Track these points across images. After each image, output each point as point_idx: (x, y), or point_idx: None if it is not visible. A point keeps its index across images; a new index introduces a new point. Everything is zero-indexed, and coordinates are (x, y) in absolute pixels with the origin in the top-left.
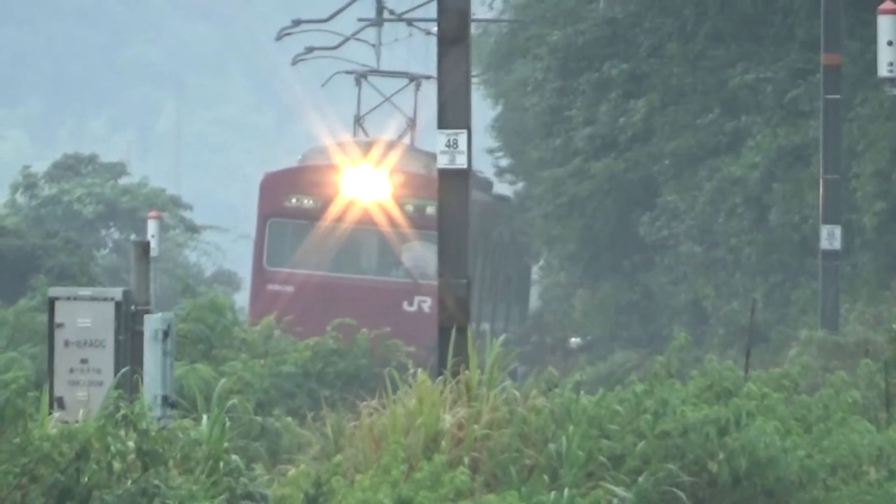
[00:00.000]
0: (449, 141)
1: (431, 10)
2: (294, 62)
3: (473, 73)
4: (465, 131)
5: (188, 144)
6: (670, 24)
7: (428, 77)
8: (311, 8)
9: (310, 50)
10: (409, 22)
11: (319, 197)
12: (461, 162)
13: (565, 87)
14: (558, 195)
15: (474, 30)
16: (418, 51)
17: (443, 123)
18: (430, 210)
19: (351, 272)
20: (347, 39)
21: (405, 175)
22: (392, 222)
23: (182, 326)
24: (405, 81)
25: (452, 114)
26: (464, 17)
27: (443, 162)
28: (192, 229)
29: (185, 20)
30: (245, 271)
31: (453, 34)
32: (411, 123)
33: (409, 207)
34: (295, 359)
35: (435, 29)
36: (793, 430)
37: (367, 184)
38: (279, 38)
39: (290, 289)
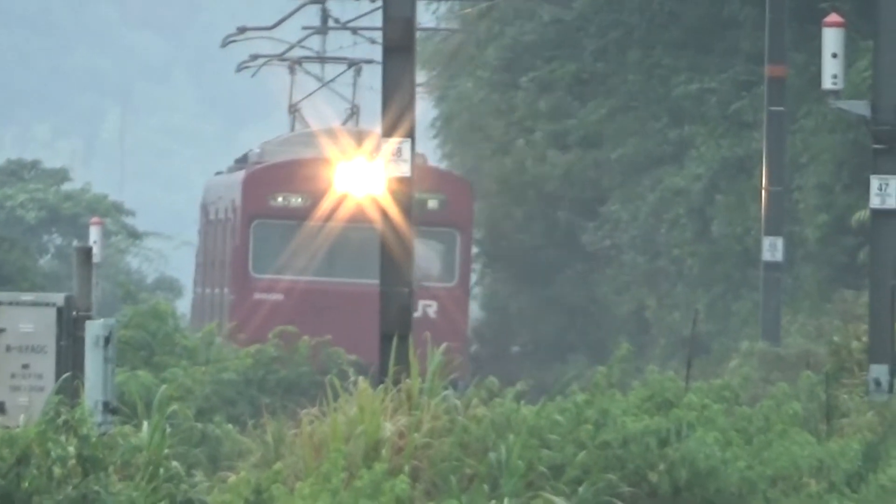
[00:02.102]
0: (393, 149)
1: (377, 19)
2: (238, 69)
3: (419, 80)
4: (409, 140)
5: (133, 151)
6: (618, 29)
7: (369, 61)
8: (256, 16)
9: (254, 57)
10: (354, 31)
11: (309, 194)
12: (405, 170)
13: (509, 82)
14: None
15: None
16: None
17: (387, 132)
18: (433, 204)
19: (346, 276)
20: (292, 47)
21: None
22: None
23: (123, 333)
24: (343, 67)
25: (397, 122)
26: (409, 25)
27: (388, 171)
28: (135, 235)
29: (131, 28)
30: (186, 278)
31: (398, 43)
32: (355, 109)
33: None
34: (236, 366)
35: (380, 37)
36: (733, 441)
37: (362, 178)
38: (224, 45)
39: (279, 297)
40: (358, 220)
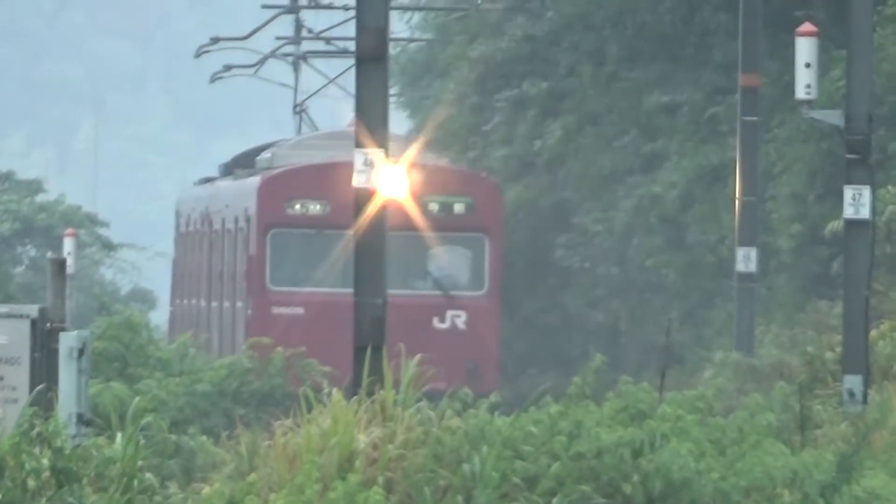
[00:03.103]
0: (366, 160)
1: (350, 29)
2: (212, 80)
3: (392, 91)
4: (381, 151)
5: (106, 161)
6: (589, 44)
7: (417, 40)
8: (230, 26)
9: (228, 68)
10: (328, 40)
11: (328, 200)
12: (378, 181)
13: (483, 103)
14: None
15: (393, 48)
16: (337, 69)
17: (360, 142)
18: (459, 208)
19: None
20: (266, 58)
21: (427, 169)
22: (415, 225)
23: (97, 344)
24: (350, 61)
25: (370, 133)
26: (382, 35)
27: (359, 182)
28: (109, 247)
29: (104, 38)
30: (160, 289)
31: (371, 52)
32: None
33: (434, 206)
34: (210, 377)
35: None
36: (707, 452)
37: (385, 181)
38: (198, 55)
39: (300, 311)
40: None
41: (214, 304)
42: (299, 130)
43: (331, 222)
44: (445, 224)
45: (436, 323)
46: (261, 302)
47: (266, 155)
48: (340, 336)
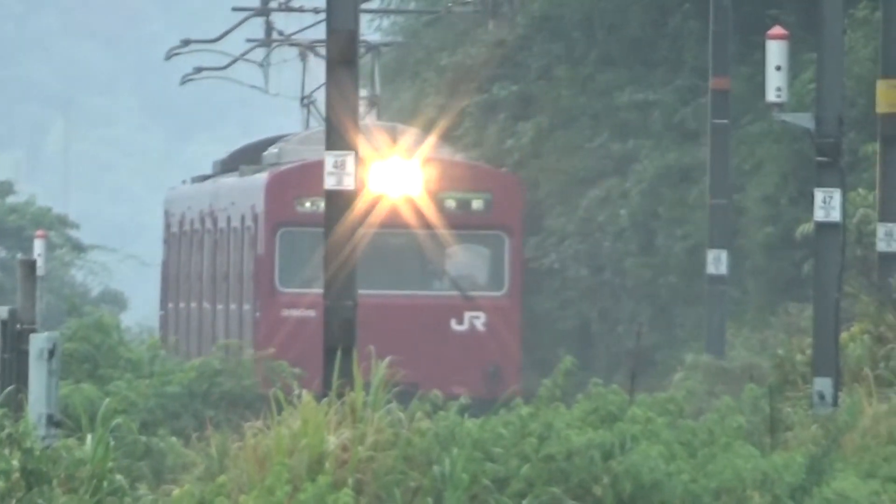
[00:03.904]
0: (336, 162)
1: (320, 32)
2: (182, 82)
3: (362, 93)
4: (352, 153)
5: (77, 163)
6: (559, 47)
7: (387, 44)
8: (200, 28)
9: (198, 70)
10: (298, 43)
11: None
12: (348, 184)
13: (452, 108)
14: None
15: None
16: (307, 72)
17: (330, 145)
18: (478, 204)
19: (383, 287)
20: (236, 60)
21: (443, 163)
22: (431, 223)
23: (68, 346)
24: (362, 50)
25: (340, 135)
26: (352, 37)
27: (330, 184)
28: (79, 248)
29: (74, 39)
30: (131, 291)
31: (341, 55)
32: (374, 100)
33: (451, 203)
34: (180, 379)
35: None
36: (677, 454)
37: (399, 178)
38: (168, 57)
39: (311, 313)
40: (395, 224)
41: (220, 306)
42: (307, 124)
43: None
44: (463, 221)
45: (453, 325)
46: (269, 304)
47: (273, 150)
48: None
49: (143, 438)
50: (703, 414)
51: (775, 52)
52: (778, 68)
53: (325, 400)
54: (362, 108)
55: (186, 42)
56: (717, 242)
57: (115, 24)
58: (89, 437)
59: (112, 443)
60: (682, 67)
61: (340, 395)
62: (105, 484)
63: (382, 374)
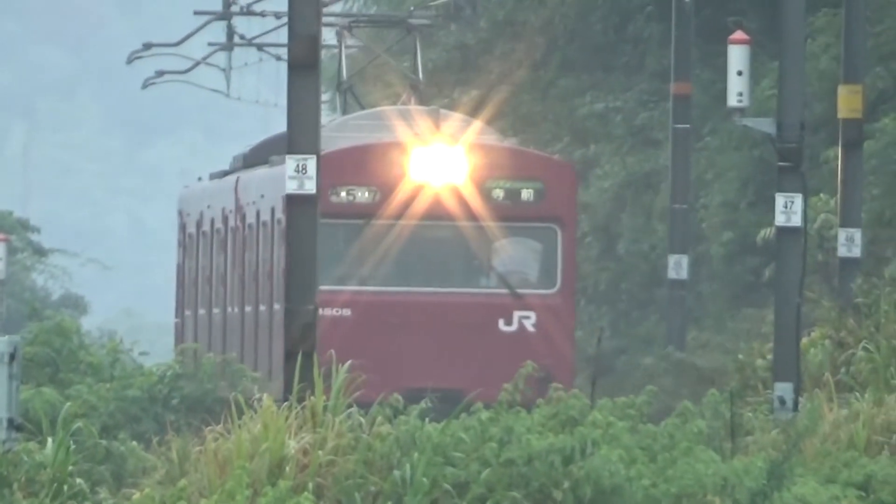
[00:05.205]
0: (298, 166)
1: (282, 36)
2: (144, 86)
3: (324, 97)
4: (314, 156)
5: (37, 168)
6: (521, 52)
7: (429, 25)
8: (162, 32)
9: (160, 74)
10: (260, 47)
11: (378, 186)
12: (310, 187)
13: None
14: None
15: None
16: (269, 76)
17: (292, 148)
18: (527, 194)
19: (423, 285)
20: (198, 64)
21: (491, 150)
22: (477, 214)
23: (28, 350)
24: (402, 33)
25: (302, 139)
26: (314, 42)
27: (291, 187)
28: (40, 252)
29: (35, 44)
30: (91, 295)
31: (303, 60)
32: (414, 86)
33: (499, 193)
34: (141, 383)
35: (285, 54)
36: (638, 458)
37: (442, 165)
38: (129, 61)
39: (346, 312)
40: (437, 216)
41: (248, 308)
42: (343, 111)
43: (380, 211)
44: (512, 213)
45: (501, 325)
46: None
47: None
48: (391, 340)
49: (104, 442)
50: (666, 415)
51: (737, 56)
52: (740, 73)
53: (286, 404)
54: (404, 93)
55: (148, 46)
56: (678, 247)
57: (76, 29)
58: (50, 440)
59: (73, 447)
60: (643, 73)
61: (301, 400)
62: (65, 488)
63: (343, 378)
